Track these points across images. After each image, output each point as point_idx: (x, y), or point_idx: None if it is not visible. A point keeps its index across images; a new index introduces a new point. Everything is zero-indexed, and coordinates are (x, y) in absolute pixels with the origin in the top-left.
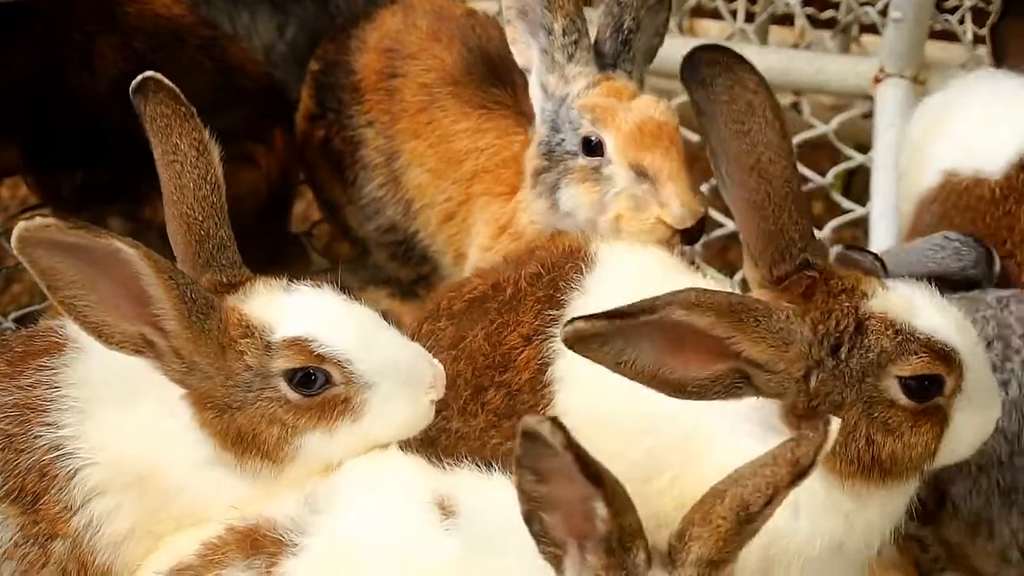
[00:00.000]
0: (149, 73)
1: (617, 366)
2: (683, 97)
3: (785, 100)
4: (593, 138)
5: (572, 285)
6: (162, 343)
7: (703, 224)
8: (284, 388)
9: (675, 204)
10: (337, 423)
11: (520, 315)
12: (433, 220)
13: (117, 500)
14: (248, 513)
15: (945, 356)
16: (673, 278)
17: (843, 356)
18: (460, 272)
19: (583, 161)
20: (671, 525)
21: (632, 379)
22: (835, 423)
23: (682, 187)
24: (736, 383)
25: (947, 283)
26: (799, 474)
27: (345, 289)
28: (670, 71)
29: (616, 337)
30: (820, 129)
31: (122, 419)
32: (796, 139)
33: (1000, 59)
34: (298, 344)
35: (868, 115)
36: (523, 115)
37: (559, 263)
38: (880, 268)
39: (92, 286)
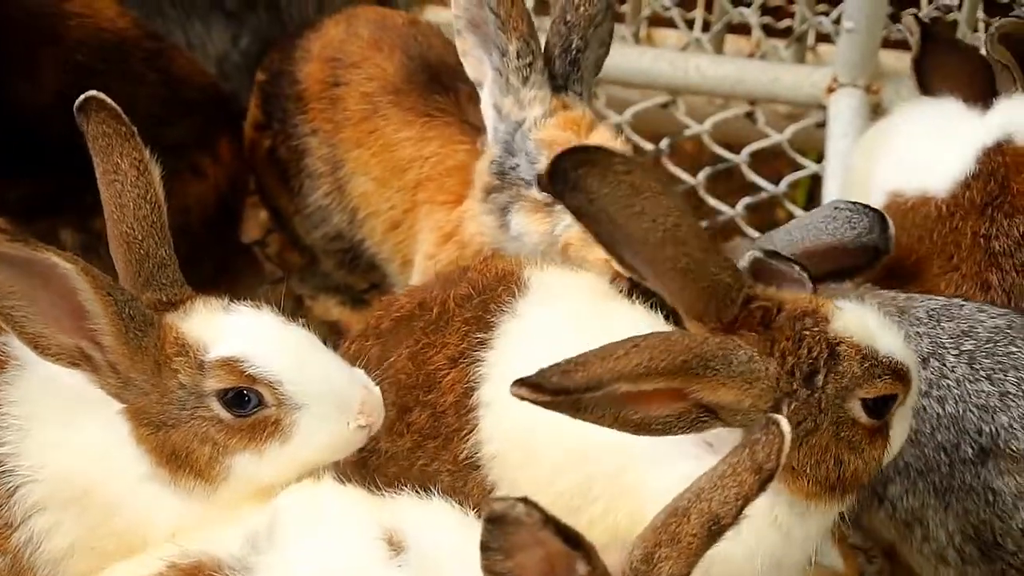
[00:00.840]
0: (92, 93)
1: (576, 414)
2: (641, 104)
3: (740, 109)
4: None
5: (503, 308)
6: (99, 357)
7: None
8: (217, 407)
9: None
10: (267, 444)
11: (446, 336)
12: (379, 228)
13: (57, 517)
14: (189, 548)
15: (903, 376)
16: (604, 306)
17: (819, 384)
18: (408, 279)
19: (537, 195)
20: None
21: (594, 423)
22: (783, 421)
23: None
24: (701, 418)
25: (845, 253)
26: (765, 479)
27: (296, 298)
28: (627, 80)
29: (564, 405)
30: (775, 138)
31: (63, 436)
32: (751, 148)
33: (925, 90)
34: (230, 364)
35: (822, 124)
36: (467, 123)
37: (491, 286)
38: (806, 277)
39: (30, 298)
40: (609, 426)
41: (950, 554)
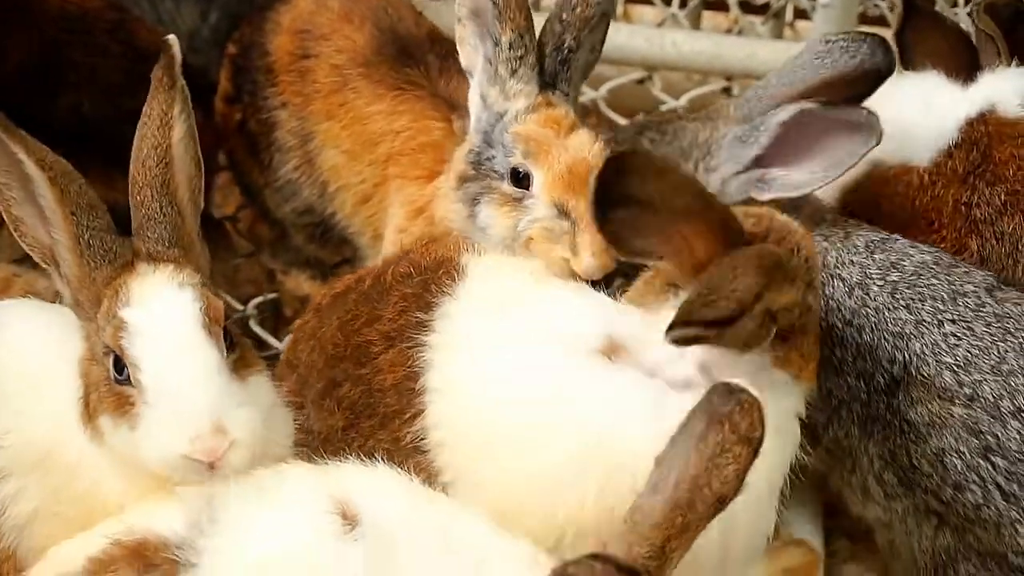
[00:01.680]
0: (167, 36)
1: (723, 341)
2: (617, 80)
3: (717, 85)
4: (522, 170)
5: (444, 291)
6: (62, 266)
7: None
8: (108, 362)
9: (586, 255)
10: (123, 421)
11: (379, 308)
12: (349, 202)
13: (21, 483)
14: (134, 524)
15: None
16: (541, 286)
17: None
18: (378, 254)
19: (508, 188)
20: (594, 533)
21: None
22: (749, 387)
23: (599, 239)
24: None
25: (845, 84)
26: (757, 446)
27: (269, 272)
28: (603, 56)
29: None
30: None
31: (28, 404)
32: None
33: (907, 64)
34: (119, 328)
35: None
36: (439, 97)
37: (432, 267)
38: (876, 119)
39: (20, 185)
40: (740, 347)
41: (872, 485)
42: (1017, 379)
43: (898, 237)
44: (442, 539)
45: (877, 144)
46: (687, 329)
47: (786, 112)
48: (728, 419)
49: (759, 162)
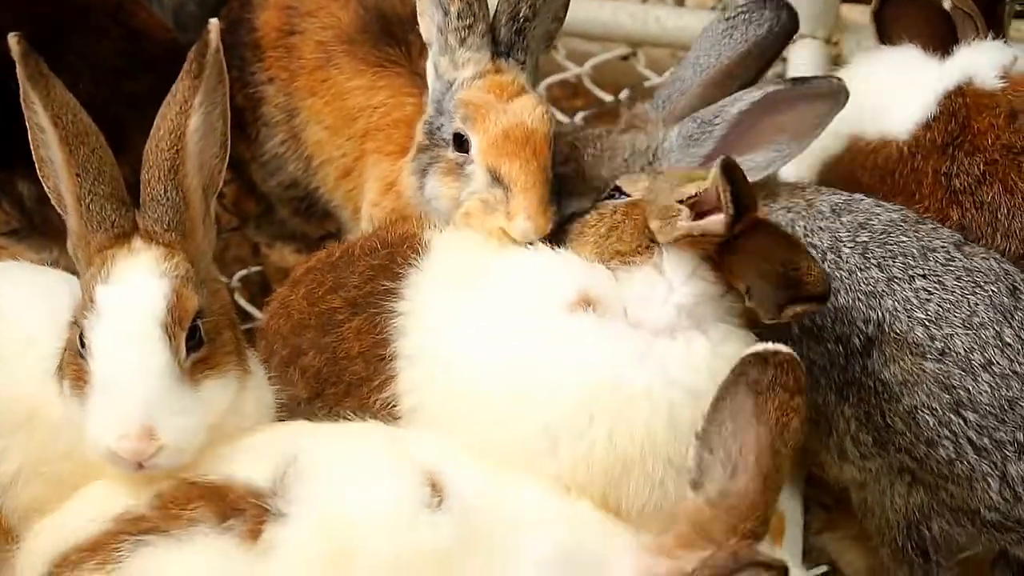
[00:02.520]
0: (213, 21)
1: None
2: (602, 57)
3: None
4: (463, 135)
5: (410, 263)
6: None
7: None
8: (75, 333)
9: (520, 219)
10: (75, 393)
11: (344, 277)
12: (331, 176)
13: (5, 443)
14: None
15: None
16: (504, 253)
17: None
18: (359, 227)
19: (451, 154)
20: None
21: None
22: (782, 347)
23: (532, 201)
24: None
25: (760, 53)
26: (803, 392)
27: (253, 246)
28: (587, 32)
29: None
30: None
31: (14, 364)
32: None
33: (886, 39)
34: (89, 305)
35: (783, 76)
36: (418, 75)
37: (397, 242)
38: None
39: (50, 128)
40: None
41: (848, 447)
42: (988, 331)
43: (862, 197)
44: (522, 514)
45: (842, 108)
46: (808, 304)
47: (748, 100)
48: (776, 385)
49: (713, 155)
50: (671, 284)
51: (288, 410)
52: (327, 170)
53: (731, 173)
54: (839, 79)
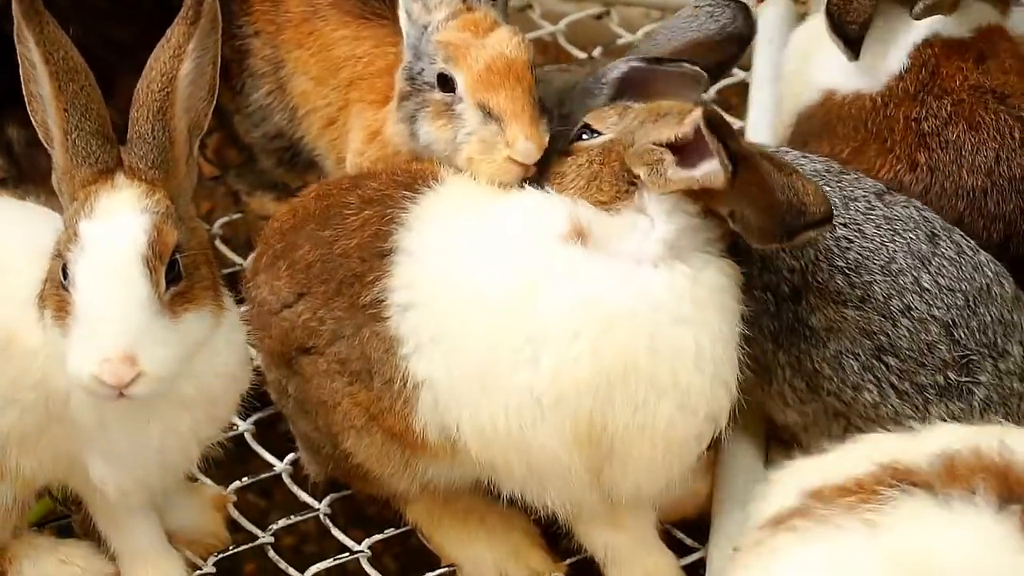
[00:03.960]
0: None
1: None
2: (575, 15)
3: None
4: (447, 75)
5: (428, 184)
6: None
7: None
8: (58, 265)
9: (520, 141)
10: (57, 323)
11: (365, 180)
12: (316, 125)
13: None
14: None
15: None
16: (501, 192)
17: None
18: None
19: (438, 96)
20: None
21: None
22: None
23: (526, 123)
24: None
25: (711, 47)
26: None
27: (233, 193)
28: None
29: None
30: None
31: None
32: None
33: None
34: (69, 238)
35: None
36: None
37: (418, 171)
38: (698, 70)
39: (41, 64)
40: None
41: (787, 392)
42: (906, 278)
43: (788, 149)
44: None
45: (705, 92)
46: (821, 228)
47: (619, 69)
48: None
49: None
50: (653, 220)
51: (265, 318)
52: (312, 120)
53: (718, 128)
54: (695, 64)
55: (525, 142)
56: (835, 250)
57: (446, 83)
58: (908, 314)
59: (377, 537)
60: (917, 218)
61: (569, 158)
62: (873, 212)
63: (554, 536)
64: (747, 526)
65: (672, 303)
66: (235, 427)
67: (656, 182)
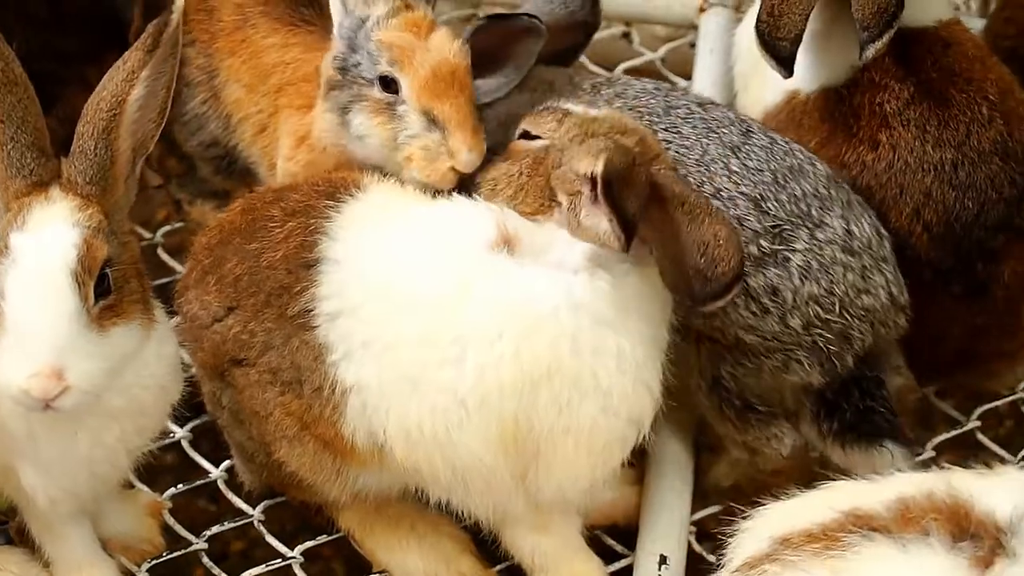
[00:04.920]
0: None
1: None
2: (598, 35)
3: (616, 30)
4: (390, 77)
5: (350, 193)
6: None
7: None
8: None
9: (463, 153)
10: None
11: (287, 193)
12: (249, 132)
13: None
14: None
15: None
16: (427, 200)
17: None
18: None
19: (378, 94)
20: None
21: None
22: None
23: (468, 133)
24: None
25: (561, 32)
26: None
27: (175, 202)
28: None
29: None
30: (648, 56)
31: None
32: (625, 66)
33: None
34: (3, 251)
35: (695, 44)
36: (330, 32)
37: (340, 180)
38: (536, 21)
39: None
40: None
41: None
42: (717, 165)
43: (622, 76)
44: None
45: (544, 40)
46: (726, 295)
47: (467, 31)
48: None
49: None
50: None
51: (197, 332)
52: (245, 127)
53: (613, 195)
54: (532, 15)
55: (468, 153)
56: None
57: (388, 84)
58: (719, 196)
59: (309, 544)
60: (733, 118)
61: (504, 164)
62: (692, 116)
63: (484, 542)
64: (721, 572)
65: (593, 305)
66: (172, 434)
67: (570, 222)
